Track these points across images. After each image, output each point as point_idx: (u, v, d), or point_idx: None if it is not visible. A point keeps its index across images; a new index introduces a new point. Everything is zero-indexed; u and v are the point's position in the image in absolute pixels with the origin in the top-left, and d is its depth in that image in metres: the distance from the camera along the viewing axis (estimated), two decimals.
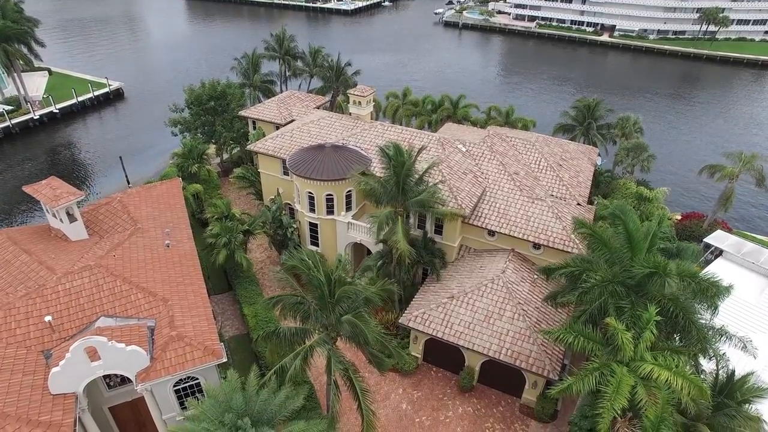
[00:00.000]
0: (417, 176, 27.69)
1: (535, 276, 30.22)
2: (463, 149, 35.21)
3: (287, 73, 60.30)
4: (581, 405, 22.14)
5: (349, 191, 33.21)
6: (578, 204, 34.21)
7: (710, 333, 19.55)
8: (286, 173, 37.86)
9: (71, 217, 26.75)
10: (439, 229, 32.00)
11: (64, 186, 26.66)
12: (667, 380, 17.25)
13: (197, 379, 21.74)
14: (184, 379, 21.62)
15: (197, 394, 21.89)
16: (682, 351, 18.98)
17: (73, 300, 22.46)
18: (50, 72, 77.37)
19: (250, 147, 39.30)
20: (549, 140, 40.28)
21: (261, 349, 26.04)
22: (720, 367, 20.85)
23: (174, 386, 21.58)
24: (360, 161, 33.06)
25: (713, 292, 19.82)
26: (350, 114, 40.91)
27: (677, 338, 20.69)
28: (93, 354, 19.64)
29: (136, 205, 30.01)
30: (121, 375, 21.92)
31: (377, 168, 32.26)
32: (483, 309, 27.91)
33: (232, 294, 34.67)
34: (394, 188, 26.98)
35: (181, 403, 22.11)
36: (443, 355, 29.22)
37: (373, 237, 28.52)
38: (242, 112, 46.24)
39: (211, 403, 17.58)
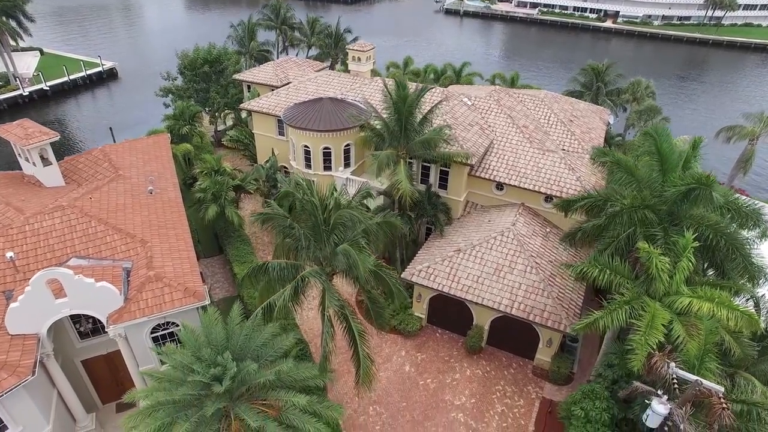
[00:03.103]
0: (421, 116, 25.47)
1: (548, 230, 28.12)
2: (469, 102, 33.07)
3: (285, 43, 58.18)
4: (605, 352, 19.92)
5: (348, 145, 31.04)
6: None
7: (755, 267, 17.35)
8: (281, 133, 35.70)
9: (45, 161, 24.59)
10: (443, 183, 29.81)
11: (36, 126, 24.50)
12: (709, 311, 15.08)
13: (178, 325, 19.57)
14: (163, 325, 19.50)
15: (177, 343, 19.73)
16: (724, 285, 16.78)
17: (41, 240, 20.26)
18: (42, 52, 75.34)
19: (244, 106, 37.17)
20: (558, 97, 38.06)
21: (248, 294, 23.80)
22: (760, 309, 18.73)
23: (151, 333, 19.45)
24: (359, 112, 30.92)
25: (755, 222, 17.73)
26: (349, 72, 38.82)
27: (713, 274, 18.52)
28: (58, 291, 17.50)
29: (119, 154, 27.88)
30: (93, 320, 19.76)
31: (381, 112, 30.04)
32: (492, 262, 25.71)
33: (223, 257, 32.54)
34: (395, 127, 24.77)
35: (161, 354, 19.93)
36: (449, 315, 27.02)
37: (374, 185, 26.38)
38: (237, 76, 44.15)
39: (188, 338, 15.46)
